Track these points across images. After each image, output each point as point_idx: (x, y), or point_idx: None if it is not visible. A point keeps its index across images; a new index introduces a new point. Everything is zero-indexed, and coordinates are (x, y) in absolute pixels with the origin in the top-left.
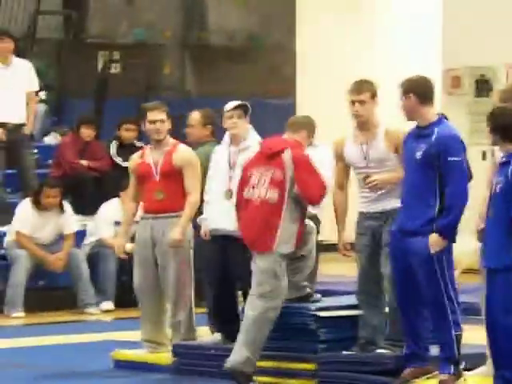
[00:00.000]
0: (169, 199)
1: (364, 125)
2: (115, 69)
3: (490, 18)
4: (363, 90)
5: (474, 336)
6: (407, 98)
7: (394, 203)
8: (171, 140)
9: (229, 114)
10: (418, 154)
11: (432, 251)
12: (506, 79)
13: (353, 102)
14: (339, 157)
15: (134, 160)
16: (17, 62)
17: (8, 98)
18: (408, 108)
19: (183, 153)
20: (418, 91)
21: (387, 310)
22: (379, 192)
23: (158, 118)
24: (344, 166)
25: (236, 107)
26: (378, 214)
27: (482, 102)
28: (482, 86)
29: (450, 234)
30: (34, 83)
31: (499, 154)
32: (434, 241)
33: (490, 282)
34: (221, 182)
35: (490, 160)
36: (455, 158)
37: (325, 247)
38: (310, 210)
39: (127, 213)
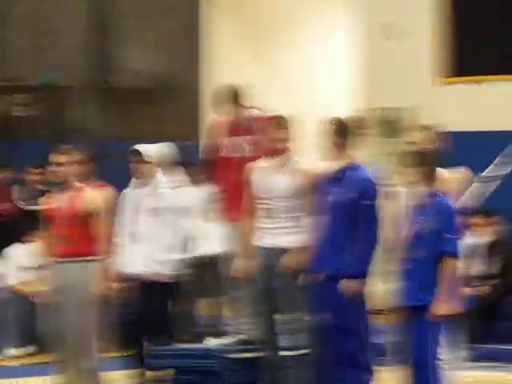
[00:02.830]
0: (72, 244)
1: (279, 157)
2: (22, 111)
3: (396, 59)
4: (287, 125)
5: (383, 377)
6: (328, 139)
7: (288, 241)
8: (79, 184)
9: (130, 158)
10: (335, 198)
11: (346, 295)
12: (414, 120)
13: (273, 139)
14: (247, 183)
15: (44, 203)
16: None
17: None
18: (329, 148)
19: (89, 198)
20: (338, 133)
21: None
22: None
23: (56, 160)
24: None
25: (132, 152)
26: (273, 249)
27: (390, 142)
28: (391, 127)
29: (362, 277)
30: None
31: (408, 194)
32: (347, 284)
33: (414, 321)
34: (129, 225)
35: (393, 201)
36: (369, 202)
37: None
38: None
39: (43, 257)
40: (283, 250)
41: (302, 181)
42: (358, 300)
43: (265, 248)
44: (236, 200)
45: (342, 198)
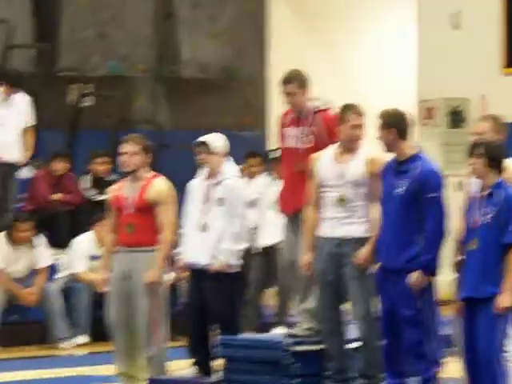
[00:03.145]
0: (139, 233)
1: (354, 147)
2: (88, 102)
3: (463, 50)
4: (363, 112)
5: (449, 368)
6: (387, 132)
7: (359, 230)
8: (148, 173)
9: (196, 150)
10: (399, 190)
11: (414, 289)
12: (480, 110)
13: (355, 126)
14: (313, 173)
15: (111, 192)
16: (18, 96)
17: (6, 135)
18: (387, 141)
19: (158, 188)
20: (397, 125)
21: (356, 344)
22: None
23: (125, 150)
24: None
25: (199, 143)
26: (340, 239)
27: (455, 132)
28: (456, 118)
29: (431, 270)
30: (31, 117)
31: (475, 185)
32: (416, 278)
33: (470, 313)
34: (195, 215)
35: (465, 192)
36: (435, 194)
37: None
38: None
39: (107, 245)
40: (355, 240)
41: (372, 169)
42: (426, 292)
43: (334, 238)
44: (293, 192)
45: (407, 191)
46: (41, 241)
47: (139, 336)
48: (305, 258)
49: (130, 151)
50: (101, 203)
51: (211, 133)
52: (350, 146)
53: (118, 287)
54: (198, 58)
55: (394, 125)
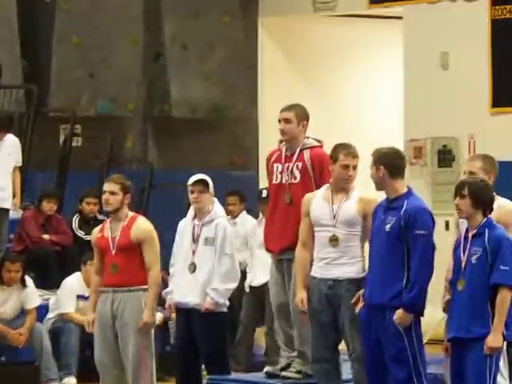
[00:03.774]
0: (123, 273)
1: (346, 187)
2: (77, 142)
3: (451, 88)
4: (357, 154)
5: None
6: (377, 170)
7: (352, 271)
8: (130, 213)
9: (190, 188)
10: (387, 227)
11: (399, 327)
12: (468, 150)
13: (347, 166)
14: (306, 213)
15: (94, 234)
16: (7, 137)
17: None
18: (377, 179)
19: (141, 227)
20: (387, 164)
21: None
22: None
23: (107, 189)
24: (310, 223)
25: (196, 182)
26: (333, 280)
27: (444, 172)
28: (445, 157)
29: (416, 308)
30: (19, 159)
31: (463, 225)
32: (400, 316)
33: (457, 354)
34: (185, 255)
35: (455, 232)
36: (421, 232)
37: None
38: None
39: (93, 287)
40: (348, 281)
41: (365, 208)
42: (412, 331)
43: (327, 279)
44: (280, 229)
45: (394, 227)
46: (30, 281)
47: (127, 377)
48: (299, 295)
49: (110, 190)
50: (90, 243)
51: (201, 172)
52: (341, 186)
53: (104, 328)
54: (188, 97)
55: (384, 163)
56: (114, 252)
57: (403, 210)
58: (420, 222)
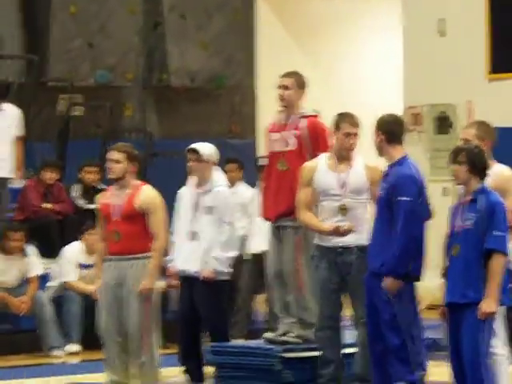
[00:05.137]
0: (126, 241)
1: (348, 155)
2: (77, 111)
3: (449, 55)
4: (359, 123)
5: (438, 372)
6: (377, 136)
7: (362, 238)
8: (136, 181)
9: (187, 157)
10: (381, 193)
11: (389, 294)
12: (466, 116)
13: (349, 134)
14: (308, 182)
15: (99, 200)
16: (6, 107)
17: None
18: (377, 145)
19: (146, 195)
20: (385, 130)
21: (354, 349)
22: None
23: (110, 157)
24: (312, 193)
25: (189, 150)
26: (343, 248)
27: (441, 138)
28: (442, 123)
29: (397, 273)
30: (21, 129)
31: (465, 190)
32: (388, 283)
33: (454, 318)
34: (185, 223)
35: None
36: (403, 198)
37: None
38: None
39: (98, 254)
40: (358, 248)
41: (372, 176)
42: (403, 296)
43: (337, 247)
44: (275, 195)
45: (384, 194)
46: (32, 250)
47: (131, 343)
48: (326, 225)
49: (114, 159)
50: (90, 212)
51: (200, 141)
52: (344, 154)
53: (108, 295)
54: (186, 66)
55: (382, 129)
56: (116, 219)
57: (392, 176)
58: (403, 189)
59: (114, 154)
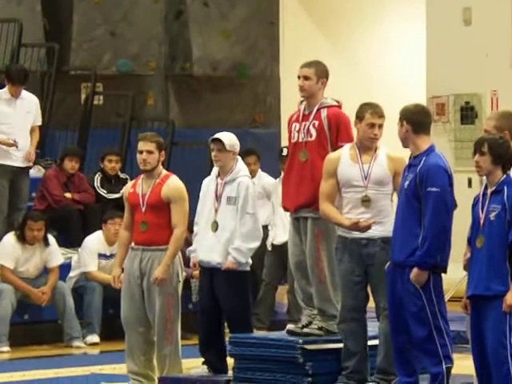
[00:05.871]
0: (153, 231)
1: (372, 146)
2: (99, 100)
3: (474, 44)
4: (384, 114)
5: (462, 364)
6: (402, 126)
7: (385, 230)
8: (164, 171)
9: (211, 147)
10: (406, 184)
11: (416, 285)
12: (491, 106)
13: (373, 125)
14: (331, 174)
15: (127, 189)
16: (25, 95)
17: (15, 135)
18: (402, 135)
19: (172, 185)
20: (411, 120)
21: (377, 341)
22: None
23: (144, 148)
24: (335, 184)
25: (213, 140)
26: (367, 240)
27: (466, 129)
28: (467, 114)
29: (427, 264)
30: (38, 118)
31: (490, 181)
32: (415, 274)
33: (477, 311)
34: (207, 213)
35: (473, 188)
36: (433, 189)
37: None
38: None
39: (121, 241)
40: (381, 240)
41: (395, 167)
42: (430, 288)
43: (361, 238)
44: (296, 186)
45: (411, 184)
46: (52, 240)
47: (155, 335)
48: (346, 221)
49: (148, 149)
50: (111, 201)
51: (222, 130)
52: (367, 145)
53: (131, 285)
54: (209, 55)
55: (408, 119)
56: (144, 209)
57: (419, 167)
58: (432, 179)
59: (145, 145)
